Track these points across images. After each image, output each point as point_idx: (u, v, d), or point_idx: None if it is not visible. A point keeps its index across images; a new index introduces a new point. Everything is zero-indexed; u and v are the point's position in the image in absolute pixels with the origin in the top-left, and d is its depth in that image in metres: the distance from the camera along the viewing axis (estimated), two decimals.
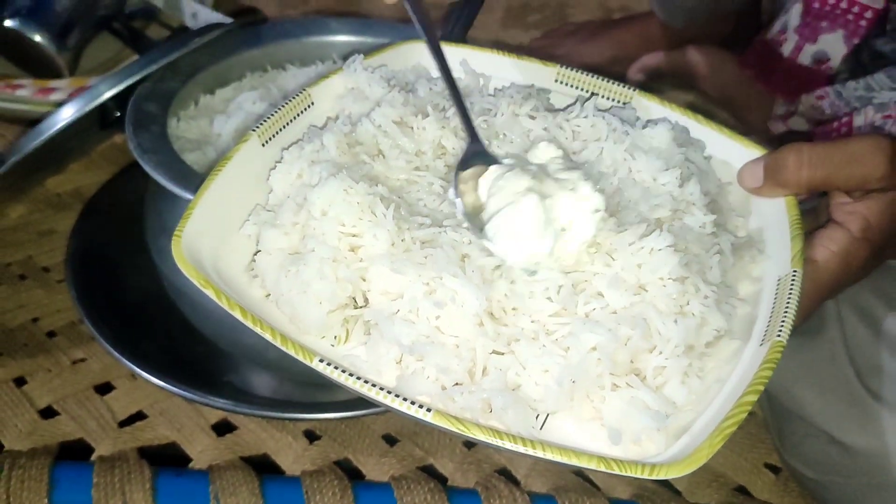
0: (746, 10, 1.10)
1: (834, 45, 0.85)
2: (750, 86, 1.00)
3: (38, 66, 0.96)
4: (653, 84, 1.12)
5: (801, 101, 0.88)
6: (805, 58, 0.87)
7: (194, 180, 0.57)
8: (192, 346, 0.70)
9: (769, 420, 0.64)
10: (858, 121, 0.79)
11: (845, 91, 0.82)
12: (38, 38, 0.93)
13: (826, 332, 0.61)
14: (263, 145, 0.51)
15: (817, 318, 0.62)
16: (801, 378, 0.59)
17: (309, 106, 0.55)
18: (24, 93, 0.93)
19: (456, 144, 0.53)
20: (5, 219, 0.85)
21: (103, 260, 0.76)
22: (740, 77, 1.00)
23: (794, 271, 0.46)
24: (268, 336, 0.40)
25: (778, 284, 0.46)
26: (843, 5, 0.85)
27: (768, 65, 0.90)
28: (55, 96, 0.92)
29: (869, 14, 0.83)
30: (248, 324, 0.41)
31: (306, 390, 0.68)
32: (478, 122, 0.54)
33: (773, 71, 0.89)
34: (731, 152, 0.55)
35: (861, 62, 0.85)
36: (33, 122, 0.92)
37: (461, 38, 0.77)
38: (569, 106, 0.57)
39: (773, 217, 0.51)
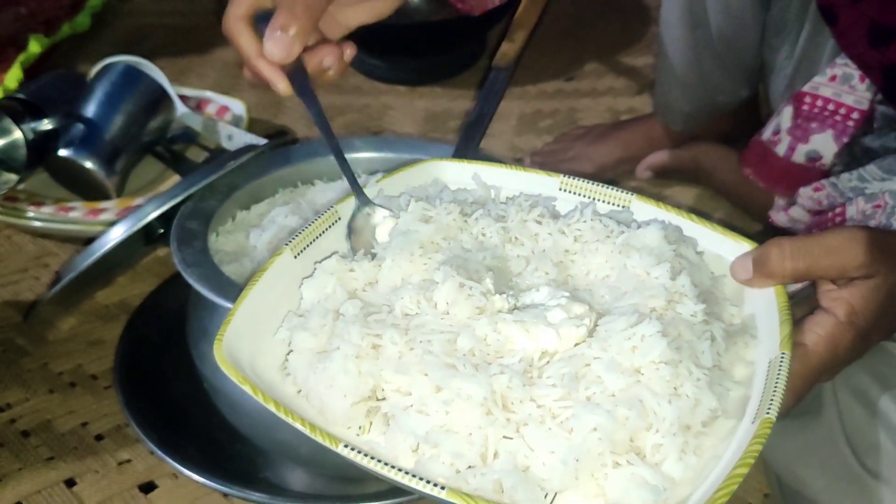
0: (745, 108, 1.17)
1: (825, 145, 0.91)
2: (751, 181, 1.05)
3: (88, 190, 1.04)
4: (660, 180, 1.19)
5: (800, 193, 0.92)
6: (799, 157, 0.92)
7: (233, 290, 0.63)
8: (230, 444, 0.74)
9: (780, 502, 0.66)
10: (851, 211, 0.83)
11: (840, 183, 0.87)
12: (88, 164, 1.01)
13: (824, 414, 0.64)
14: (295, 257, 0.57)
15: (816, 401, 0.65)
16: (804, 459, 0.62)
17: (336, 221, 0.61)
18: (76, 214, 1.01)
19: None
20: (58, 331, 0.92)
21: (148, 366, 0.81)
22: (742, 173, 1.05)
23: (783, 354, 0.49)
24: (298, 426, 0.45)
25: (769, 366, 0.50)
26: (831, 107, 0.90)
27: (765, 164, 0.95)
28: (104, 216, 1.00)
29: (856, 115, 0.89)
30: (282, 415, 0.45)
31: (337, 484, 0.72)
32: (497, 227, 0.59)
33: (771, 169, 0.94)
34: (724, 247, 0.59)
35: (854, 157, 0.90)
36: (86, 241, 1.00)
37: (475, 150, 0.84)
38: (570, 212, 0.62)
39: (764, 305, 0.54)
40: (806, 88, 0.92)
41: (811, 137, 0.92)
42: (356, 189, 0.60)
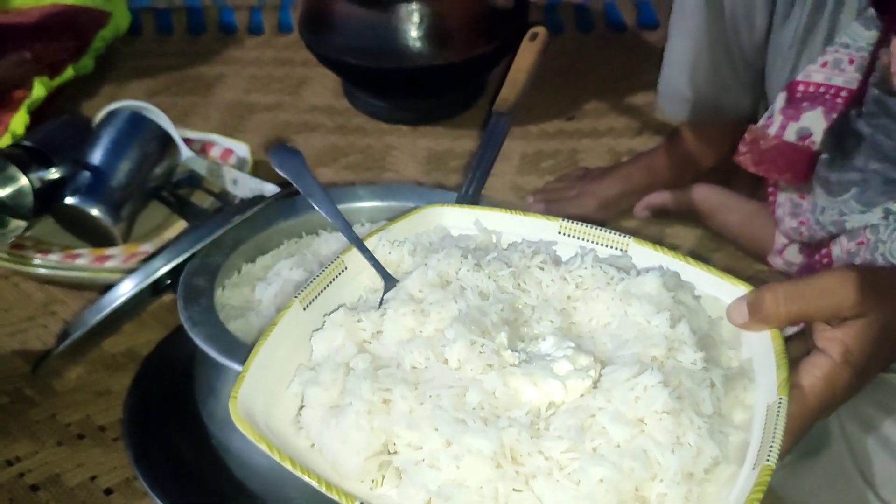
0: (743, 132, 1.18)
1: (814, 121, 0.93)
2: (751, 224, 1.07)
3: (95, 236, 1.06)
4: (661, 220, 1.20)
5: (785, 221, 0.95)
6: (790, 135, 0.94)
7: (240, 350, 0.64)
8: (239, 500, 0.74)
9: None
10: (836, 251, 0.85)
11: (822, 217, 0.88)
12: (95, 212, 1.03)
13: (833, 449, 0.65)
14: (304, 309, 0.58)
15: (824, 436, 0.66)
16: (818, 498, 0.62)
17: (343, 271, 0.62)
18: (83, 261, 1.02)
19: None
20: (65, 381, 0.92)
21: (157, 420, 0.81)
22: (742, 215, 1.07)
23: (780, 399, 0.50)
24: (314, 483, 0.46)
25: (767, 411, 0.51)
26: (822, 90, 0.93)
27: (756, 146, 0.97)
28: (111, 263, 1.01)
29: (844, 93, 0.92)
30: (298, 473, 0.46)
31: None
32: (507, 272, 0.60)
33: (762, 151, 0.96)
34: (721, 290, 0.60)
35: (843, 141, 0.90)
36: (93, 287, 1.01)
37: (476, 195, 0.85)
38: (571, 258, 0.63)
39: (761, 348, 0.55)
40: (800, 77, 0.95)
41: (802, 115, 0.94)
42: (383, 273, 0.61)
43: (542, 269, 0.62)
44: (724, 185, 1.16)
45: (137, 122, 1.11)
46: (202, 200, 1.13)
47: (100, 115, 1.14)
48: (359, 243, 0.63)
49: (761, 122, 0.98)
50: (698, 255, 0.64)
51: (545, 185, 1.28)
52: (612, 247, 0.65)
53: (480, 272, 0.59)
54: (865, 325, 0.54)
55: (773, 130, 0.96)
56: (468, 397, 0.50)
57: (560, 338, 0.54)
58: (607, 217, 1.22)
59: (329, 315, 0.57)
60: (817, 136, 0.93)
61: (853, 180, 0.87)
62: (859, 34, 0.92)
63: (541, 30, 0.97)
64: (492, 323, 0.54)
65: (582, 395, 0.51)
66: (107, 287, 0.79)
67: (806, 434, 0.53)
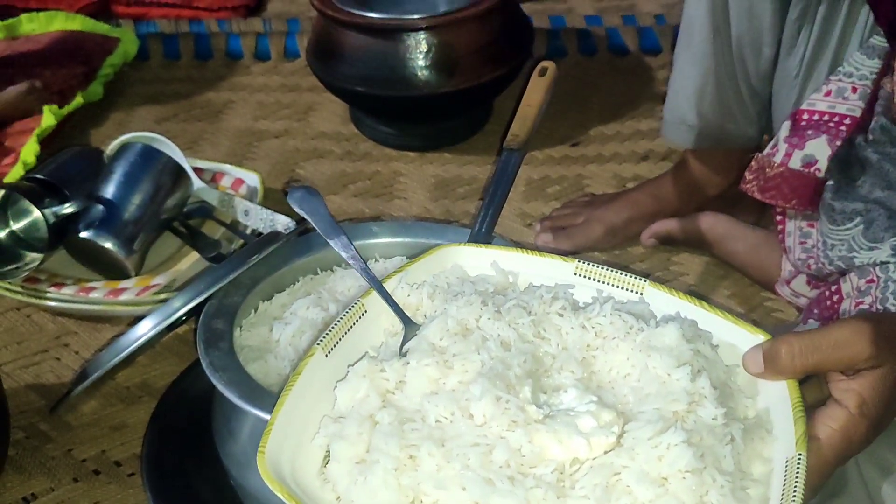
0: (748, 159, 1.19)
1: (819, 149, 0.94)
2: (757, 252, 1.08)
3: (108, 268, 1.06)
4: (669, 248, 1.21)
5: (793, 250, 0.95)
6: (795, 162, 0.95)
7: (260, 395, 0.65)
8: None
9: None
10: (846, 288, 0.86)
11: (831, 252, 0.90)
12: (108, 245, 1.04)
13: (852, 494, 0.65)
14: (327, 356, 0.59)
15: (842, 481, 0.66)
16: None
17: (363, 314, 0.63)
18: (97, 295, 1.03)
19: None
20: (80, 415, 0.93)
21: (175, 457, 0.82)
22: (748, 244, 1.08)
23: (800, 455, 0.51)
24: None
25: (786, 466, 0.51)
26: (826, 118, 0.95)
27: (763, 174, 0.98)
28: (125, 296, 1.02)
29: (847, 121, 0.93)
30: None
31: None
32: (527, 321, 0.60)
33: (767, 178, 0.97)
34: (738, 337, 0.60)
35: (849, 168, 0.91)
36: (105, 318, 1.01)
37: (489, 232, 0.86)
38: (590, 305, 0.64)
39: (778, 398, 0.56)
40: (804, 106, 0.97)
41: (807, 143, 0.95)
42: (402, 317, 0.62)
43: (561, 315, 0.62)
44: (730, 213, 1.17)
45: (149, 155, 1.12)
46: (213, 231, 1.14)
47: (111, 147, 1.15)
48: (380, 288, 0.63)
49: (766, 150, 0.99)
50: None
51: (552, 213, 1.29)
52: (627, 289, 0.65)
53: (501, 320, 0.60)
54: (881, 375, 0.54)
55: (778, 158, 0.97)
56: (494, 455, 0.50)
57: (582, 391, 0.55)
58: (614, 244, 1.23)
59: (352, 365, 0.58)
60: (822, 164, 0.94)
61: (857, 210, 0.88)
62: (862, 63, 0.94)
63: (549, 65, 0.98)
64: (515, 376, 0.55)
65: (606, 452, 0.51)
66: (122, 321, 0.80)
67: (823, 485, 0.54)
